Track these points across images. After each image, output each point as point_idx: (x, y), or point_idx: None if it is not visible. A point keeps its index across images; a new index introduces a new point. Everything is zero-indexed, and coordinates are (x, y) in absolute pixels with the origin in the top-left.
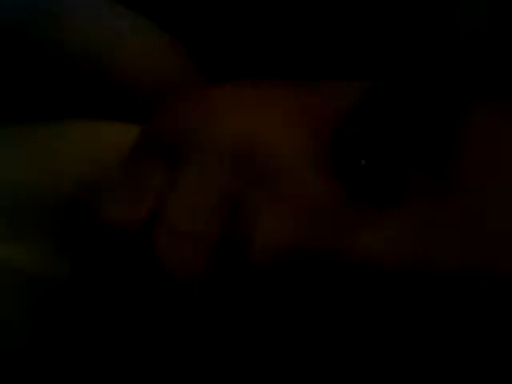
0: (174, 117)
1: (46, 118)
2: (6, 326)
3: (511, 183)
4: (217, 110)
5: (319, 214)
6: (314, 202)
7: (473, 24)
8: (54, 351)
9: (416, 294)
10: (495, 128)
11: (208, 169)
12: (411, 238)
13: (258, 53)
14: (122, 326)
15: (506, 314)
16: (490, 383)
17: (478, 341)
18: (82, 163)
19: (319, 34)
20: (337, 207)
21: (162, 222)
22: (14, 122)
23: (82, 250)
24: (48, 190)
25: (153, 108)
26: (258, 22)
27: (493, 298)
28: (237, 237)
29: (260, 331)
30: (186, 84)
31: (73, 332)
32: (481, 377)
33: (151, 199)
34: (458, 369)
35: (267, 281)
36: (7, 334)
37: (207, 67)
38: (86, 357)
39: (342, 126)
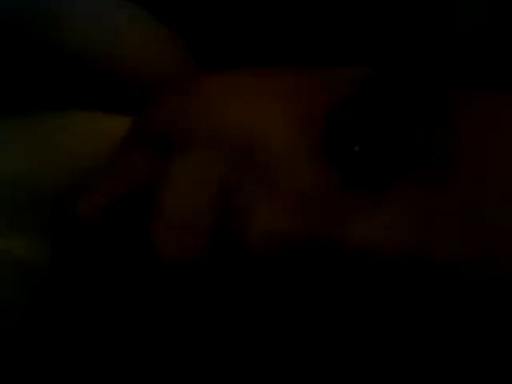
0: (168, 107)
1: (47, 110)
2: (5, 317)
3: (511, 171)
4: (212, 100)
5: (315, 202)
6: (310, 191)
7: (472, 16)
8: (50, 341)
9: (414, 283)
10: (495, 116)
11: (203, 159)
12: (409, 224)
13: (255, 41)
14: (115, 320)
15: (506, 303)
16: (489, 374)
17: (477, 332)
18: (82, 155)
19: (317, 21)
20: (332, 195)
21: (158, 213)
22: (14, 114)
23: (64, 241)
24: (47, 181)
25: (149, 100)
26: (255, 10)
27: (493, 287)
28: (232, 227)
29: (256, 321)
30: (183, 76)
31: (69, 322)
32: (479, 368)
33: (138, 188)
34: (456, 359)
35: (263, 271)
36: (6, 323)
37: (205, 60)
38: (81, 349)
39: (336, 112)
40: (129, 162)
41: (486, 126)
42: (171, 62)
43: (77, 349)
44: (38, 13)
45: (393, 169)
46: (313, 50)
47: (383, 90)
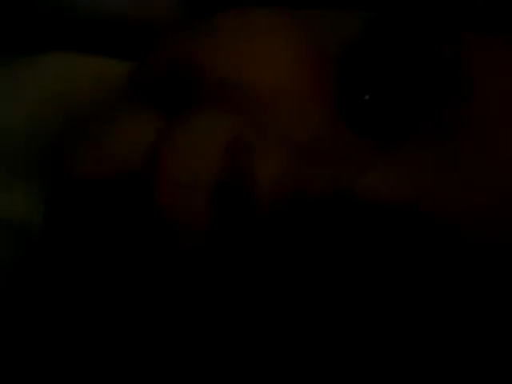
0: (167, 56)
1: (35, 53)
2: None
3: None
4: (214, 48)
5: (324, 153)
6: (319, 140)
7: None
8: (44, 303)
9: (420, 237)
10: (504, 61)
11: (207, 112)
12: (419, 176)
13: None
14: (111, 281)
15: (507, 261)
16: (488, 330)
17: (478, 288)
18: (77, 100)
19: None
20: (342, 146)
21: (161, 170)
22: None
23: (56, 203)
24: (44, 129)
25: (145, 45)
26: None
27: (494, 244)
28: (239, 181)
29: (263, 282)
30: (176, 23)
31: (63, 282)
32: (481, 325)
33: (141, 150)
34: (458, 316)
35: (273, 225)
36: None
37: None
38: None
39: (345, 60)
40: (131, 121)
41: (499, 73)
42: (163, 8)
43: (71, 311)
44: None
45: (403, 120)
46: None
47: (389, 36)
